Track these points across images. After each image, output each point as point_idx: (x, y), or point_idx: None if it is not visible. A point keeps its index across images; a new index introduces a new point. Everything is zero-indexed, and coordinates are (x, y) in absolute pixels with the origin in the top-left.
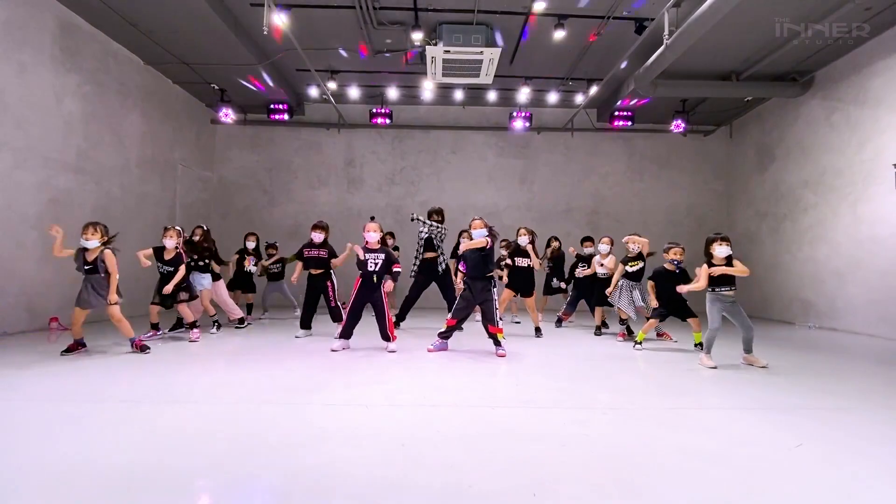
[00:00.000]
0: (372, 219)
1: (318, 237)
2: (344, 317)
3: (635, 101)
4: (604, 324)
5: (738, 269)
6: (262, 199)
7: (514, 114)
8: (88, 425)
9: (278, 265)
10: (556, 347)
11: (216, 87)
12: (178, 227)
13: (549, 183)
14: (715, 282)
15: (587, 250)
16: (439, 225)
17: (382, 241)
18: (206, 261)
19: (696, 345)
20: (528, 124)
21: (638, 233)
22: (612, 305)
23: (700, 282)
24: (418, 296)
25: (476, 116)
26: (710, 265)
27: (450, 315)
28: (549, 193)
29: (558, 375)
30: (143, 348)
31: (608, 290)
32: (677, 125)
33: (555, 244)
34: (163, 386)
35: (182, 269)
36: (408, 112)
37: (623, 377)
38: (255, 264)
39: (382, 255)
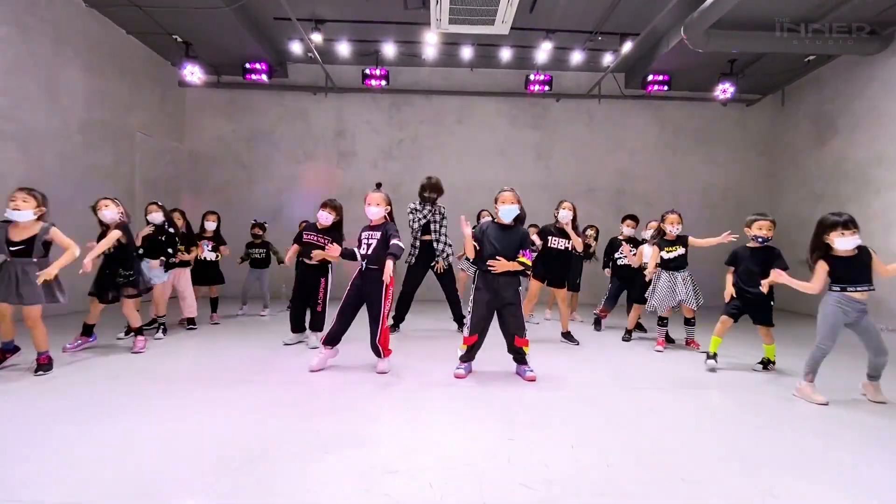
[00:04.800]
0: (378, 186)
1: (325, 218)
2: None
3: (671, 63)
4: (639, 326)
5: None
6: (239, 175)
7: (532, 76)
8: None
9: (262, 250)
10: (598, 363)
11: (179, 40)
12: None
13: (569, 158)
14: (840, 277)
15: (626, 231)
16: (431, 206)
17: (390, 215)
18: (171, 248)
19: (764, 363)
20: (546, 89)
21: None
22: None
23: (816, 282)
24: (416, 288)
25: (486, 80)
26: (825, 260)
27: (465, 330)
28: (568, 170)
29: (622, 419)
30: (42, 367)
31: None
32: (723, 91)
33: (591, 232)
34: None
35: (113, 234)
36: (407, 74)
37: (721, 429)
38: (215, 250)
39: (378, 234)
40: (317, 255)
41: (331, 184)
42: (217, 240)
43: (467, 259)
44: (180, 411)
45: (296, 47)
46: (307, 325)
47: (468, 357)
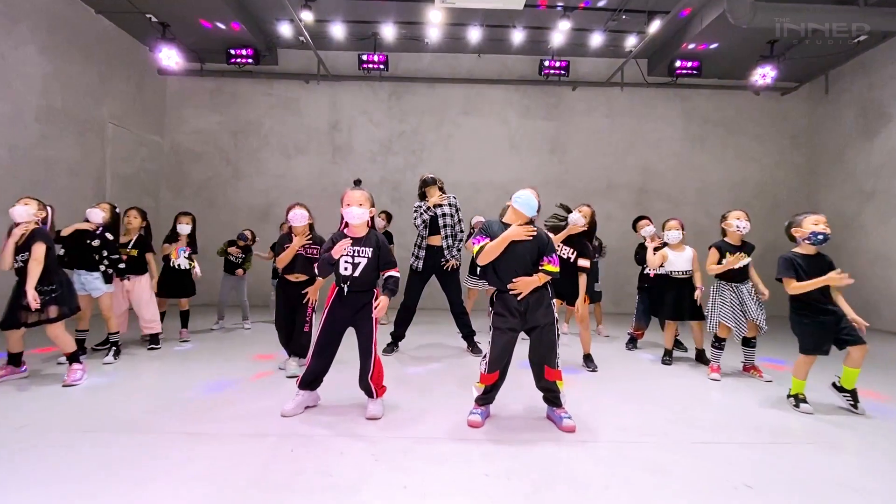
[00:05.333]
0: (356, 184)
1: (298, 220)
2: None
3: (702, 45)
4: (678, 344)
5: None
6: (224, 171)
7: (547, 62)
8: None
9: (241, 256)
10: (643, 398)
11: (154, 20)
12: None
13: (587, 152)
14: None
15: (647, 231)
16: (450, 206)
17: (373, 221)
18: (108, 254)
19: (845, 393)
20: (563, 73)
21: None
22: (700, 317)
23: None
24: (418, 300)
25: (495, 67)
26: None
27: (483, 366)
28: (585, 166)
29: (709, 497)
30: None
31: (697, 294)
32: (763, 76)
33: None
34: None
35: (37, 253)
36: (408, 61)
37: None
38: (189, 256)
39: (369, 250)
40: (311, 291)
41: (324, 180)
42: (192, 246)
43: (472, 275)
44: (78, 486)
45: (285, 29)
46: (290, 349)
47: (486, 399)
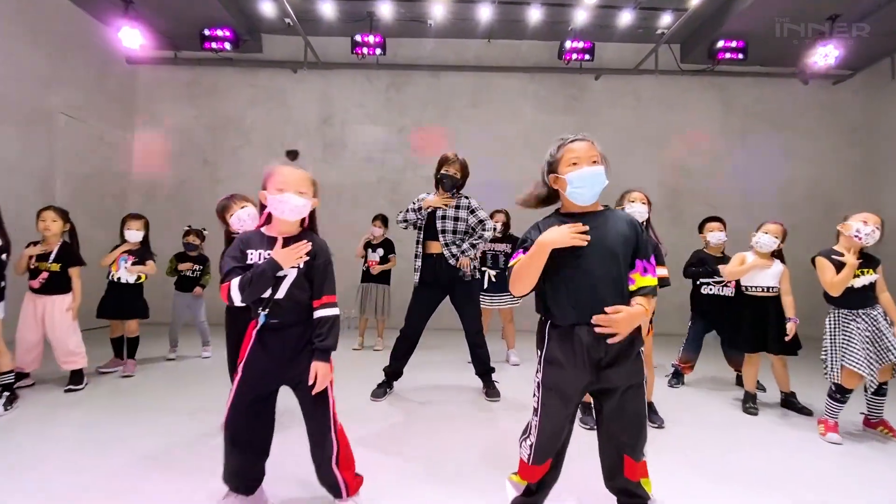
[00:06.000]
0: (292, 157)
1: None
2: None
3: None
4: (760, 386)
5: None
6: (200, 172)
7: (569, 43)
8: None
9: (197, 267)
10: (745, 472)
11: None
12: None
13: (612, 149)
14: None
15: (714, 238)
16: (458, 208)
17: (311, 219)
18: None
19: None
20: (586, 58)
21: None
22: (791, 351)
23: None
24: (419, 327)
25: (507, 53)
26: None
27: (525, 450)
28: (611, 164)
29: None
30: None
31: (790, 327)
32: (825, 56)
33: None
34: None
35: None
36: (408, 47)
37: None
38: (134, 265)
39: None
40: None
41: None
42: (141, 255)
43: (484, 291)
44: None
45: (268, 8)
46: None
47: (529, 500)
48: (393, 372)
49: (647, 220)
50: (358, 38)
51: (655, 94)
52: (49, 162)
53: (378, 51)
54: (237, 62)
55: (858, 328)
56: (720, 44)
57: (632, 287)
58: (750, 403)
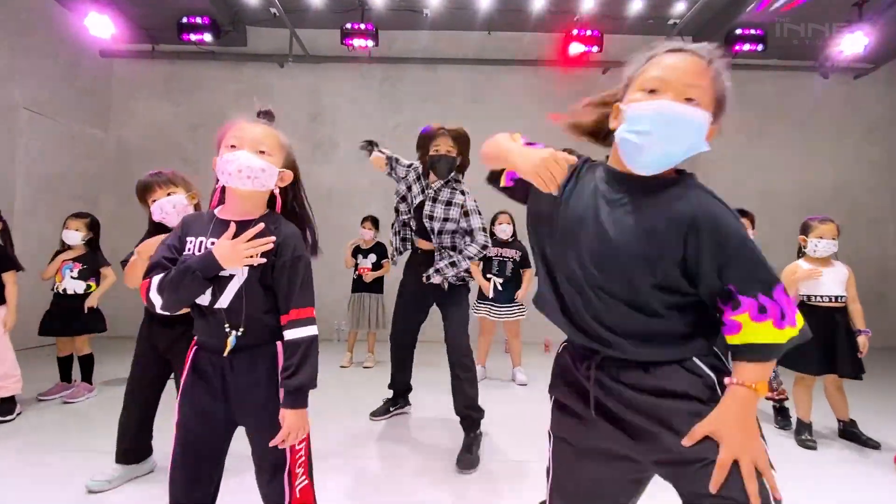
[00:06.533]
0: (264, 116)
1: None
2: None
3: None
4: (803, 426)
5: None
6: (180, 172)
7: (575, 32)
8: None
9: None
10: None
11: None
12: None
13: None
14: None
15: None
16: (447, 204)
17: (286, 199)
18: None
19: None
20: (595, 50)
21: None
22: (858, 375)
23: None
24: (406, 330)
25: (508, 46)
26: None
27: None
28: None
29: None
30: None
31: (861, 342)
32: (852, 44)
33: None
34: None
35: None
36: (403, 41)
37: None
38: (84, 277)
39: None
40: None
41: (304, 182)
42: (90, 262)
43: (480, 299)
44: None
45: None
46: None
47: None
48: (400, 385)
49: None
50: (349, 25)
51: None
52: (9, 161)
53: (370, 42)
54: (220, 56)
55: None
56: (737, 32)
57: (733, 339)
58: (806, 434)
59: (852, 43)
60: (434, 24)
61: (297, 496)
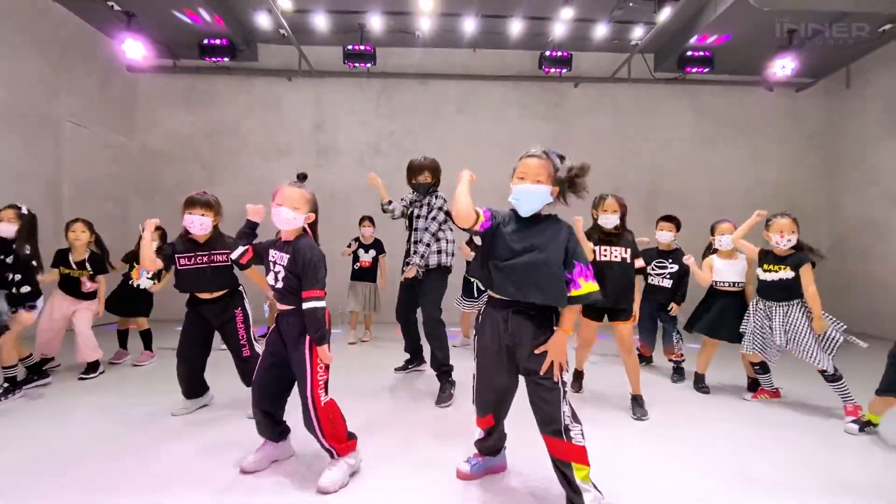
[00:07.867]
0: (301, 179)
1: (199, 226)
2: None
3: (715, 37)
4: (700, 378)
5: None
6: (199, 176)
7: (548, 54)
8: None
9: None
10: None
11: (116, 8)
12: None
13: (591, 153)
14: None
15: (664, 237)
16: (422, 205)
17: (311, 230)
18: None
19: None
20: (565, 71)
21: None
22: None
23: None
24: (403, 309)
25: (492, 62)
26: None
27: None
28: (590, 167)
29: None
30: None
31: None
32: (782, 67)
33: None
34: None
35: None
36: (398, 56)
37: None
38: (157, 276)
39: (286, 257)
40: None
41: (309, 185)
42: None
43: (466, 296)
44: None
45: (263, 20)
46: (240, 377)
47: (485, 447)
48: (408, 349)
49: (623, 222)
50: (350, 46)
51: (631, 101)
52: (55, 167)
53: (369, 63)
54: (234, 70)
55: (765, 316)
56: (689, 54)
57: (575, 292)
58: (701, 384)
59: (782, 66)
60: (426, 43)
61: (322, 405)
